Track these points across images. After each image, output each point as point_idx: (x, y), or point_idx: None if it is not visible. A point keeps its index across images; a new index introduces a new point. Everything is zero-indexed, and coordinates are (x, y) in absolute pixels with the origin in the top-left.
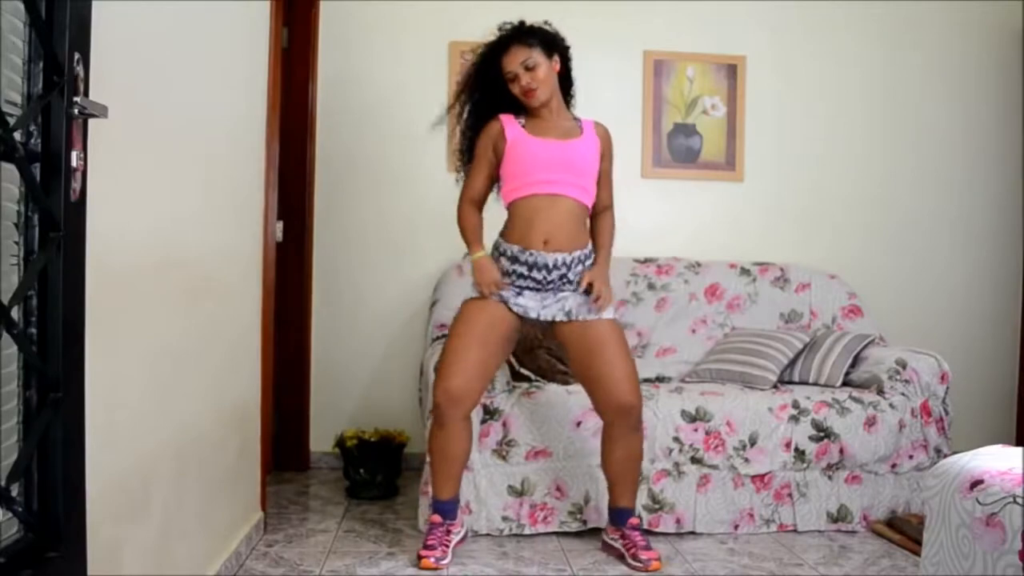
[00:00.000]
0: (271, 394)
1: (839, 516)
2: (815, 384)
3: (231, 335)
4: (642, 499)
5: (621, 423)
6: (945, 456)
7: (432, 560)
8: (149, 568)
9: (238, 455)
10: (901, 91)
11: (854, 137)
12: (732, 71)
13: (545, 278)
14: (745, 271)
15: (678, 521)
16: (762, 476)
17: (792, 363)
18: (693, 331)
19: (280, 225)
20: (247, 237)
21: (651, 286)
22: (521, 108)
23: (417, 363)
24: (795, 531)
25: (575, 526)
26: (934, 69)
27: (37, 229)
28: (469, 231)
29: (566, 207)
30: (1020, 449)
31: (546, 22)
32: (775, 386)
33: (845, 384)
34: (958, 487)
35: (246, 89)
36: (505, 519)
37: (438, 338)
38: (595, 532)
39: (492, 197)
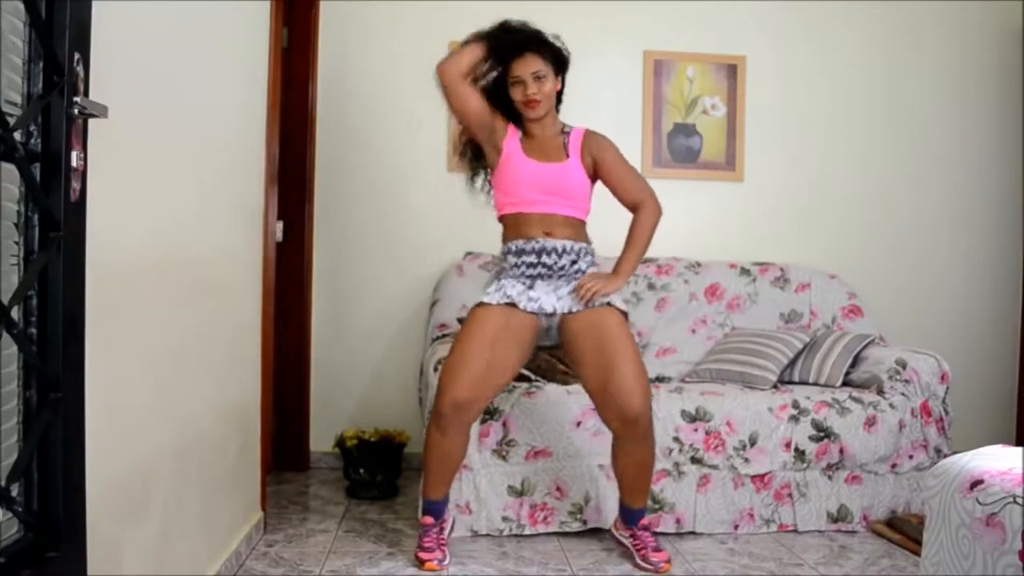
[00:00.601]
0: (271, 394)
1: (839, 516)
2: (815, 384)
3: (231, 335)
4: None
5: (629, 435)
6: (945, 456)
7: (435, 562)
8: (149, 568)
9: (238, 455)
10: (901, 91)
11: (854, 137)
12: (732, 71)
13: (556, 262)
14: (745, 271)
15: (678, 521)
16: (762, 476)
17: (792, 363)
18: (693, 331)
19: (280, 225)
20: (247, 237)
21: (651, 286)
22: (512, 114)
23: (417, 363)
24: (795, 531)
25: (575, 526)
26: (934, 69)
27: (37, 229)
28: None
29: (559, 219)
30: (1020, 449)
31: (556, 36)
32: (775, 386)
33: (845, 384)
34: (958, 487)
35: (246, 89)
36: (505, 519)
37: (438, 338)
38: (595, 532)
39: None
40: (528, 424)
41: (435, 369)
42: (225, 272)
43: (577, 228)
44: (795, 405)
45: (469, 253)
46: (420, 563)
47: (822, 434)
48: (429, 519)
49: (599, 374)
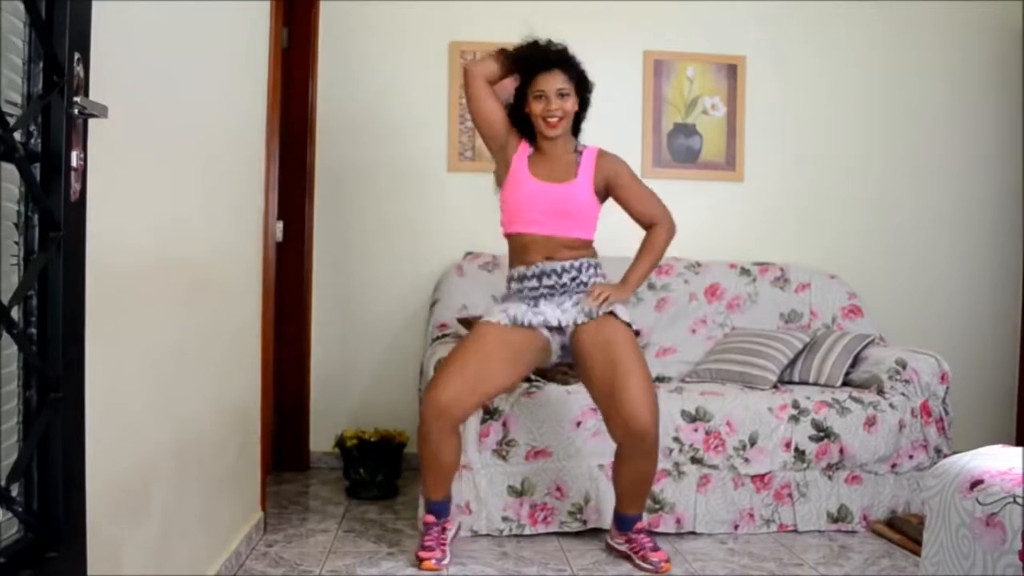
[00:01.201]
0: (271, 394)
1: (839, 516)
2: (815, 384)
3: (231, 335)
4: None
5: (635, 448)
6: (945, 456)
7: (433, 562)
8: (149, 568)
9: (238, 455)
10: (901, 91)
11: (854, 137)
12: (732, 71)
13: (557, 282)
14: (745, 271)
15: (678, 521)
16: (762, 476)
17: (792, 363)
18: (693, 331)
19: (280, 225)
20: (247, 237)
21: (651, 286)
22: (527, 132)
23: (417, 363)
24: (795, 531)
25: (575, 526)
26: (934, 69)
27: (37, 229)
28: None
29: (561, 241)
30: (1020, 449)
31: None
32: (775, 386)
33: (845, 384)
34: (958, 487)
35: (246, 89)
36: (505, 519)
37: (438, 338)
38: (595, 532)
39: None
40: (528, 424)
41: (435, 369)
42: (225, 272)
43: (580, 248)
44: (795, 405)
45: (469, 253)
46: (419, 561)
47: (822, 434)
48: (430, 518)
49: (608, 389)
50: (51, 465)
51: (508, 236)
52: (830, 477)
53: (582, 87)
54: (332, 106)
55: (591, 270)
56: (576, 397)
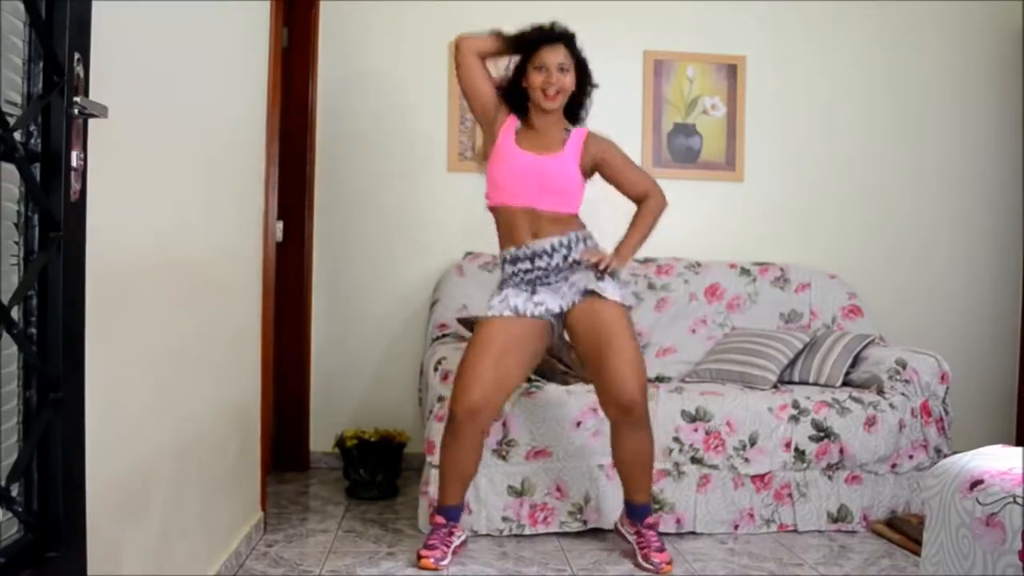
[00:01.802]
0: (271, 394)
1: (839, 516)
2: (815, 384)
3: (231, 335)
4: None
5: (624, 420)
6: (945, 456)
7: (432, 560)
8: (149, 568)
9: (238, 455)
10: (901, 91)
11: (854, 137)
12: (732, 71)
13: (549, 263)
14: (745, 271)
15: (678, 521)
16: (762, 476)
17: (792, 363)
18: (693, 331)
19: (280, 225)
20: (247, 237)
21: (651, 286)
22: (518, 108)
23: (417, 363)
24: (795, 531)
25: (575, 526)
26: (934, 69)
27: (37, 229)
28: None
29: (544, 215)
30: (1020, 449)
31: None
32: (775, 386)
33: (845, 384)
34: (958, 487)
35: (246, 89)
36: (505, 519)
37: (438, 338)
38: (595, 532)
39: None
40: (528, 424)
41: (435, 369)
42: (225, 272)
43: (565, 222)
44: (795, 405)
45: (469, 253)
46: (418, 559)
47: (822, 434)
48: (440, 519)
49: (595, 360)
50: (51, 465)
51: (493, 209)
52: (830, 477)
53: (582, 71)
54: (332, 106)
55: (580, 244)
56: (576, 397)
